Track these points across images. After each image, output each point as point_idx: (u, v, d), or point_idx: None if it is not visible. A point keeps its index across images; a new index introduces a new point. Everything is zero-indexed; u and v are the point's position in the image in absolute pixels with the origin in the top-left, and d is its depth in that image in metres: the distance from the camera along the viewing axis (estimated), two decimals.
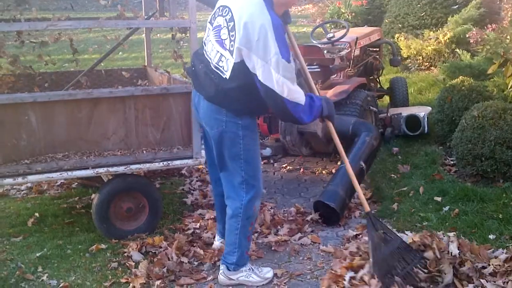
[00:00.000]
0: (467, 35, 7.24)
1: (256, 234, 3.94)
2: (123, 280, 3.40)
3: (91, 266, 3.59)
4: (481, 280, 3.10)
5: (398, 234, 3.44)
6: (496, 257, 3.29)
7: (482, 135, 4.43)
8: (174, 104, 3.83)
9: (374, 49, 6.65)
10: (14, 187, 4.93)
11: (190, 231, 3.97)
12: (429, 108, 6.08)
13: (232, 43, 2.96)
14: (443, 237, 3.48)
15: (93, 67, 4.84)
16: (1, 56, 4.09)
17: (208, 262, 3.59)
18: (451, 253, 3.24)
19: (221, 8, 3.12)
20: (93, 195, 4.11)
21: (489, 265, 3.21)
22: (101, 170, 3.69)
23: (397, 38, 9.01)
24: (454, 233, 3.55)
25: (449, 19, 8.74)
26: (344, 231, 4.02)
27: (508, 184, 4.32)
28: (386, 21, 9.95)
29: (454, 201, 4.16)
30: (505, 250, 3.37)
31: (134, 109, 3.74)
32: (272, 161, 5.56)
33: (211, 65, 3.10)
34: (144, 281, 3.35)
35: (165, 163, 3.85)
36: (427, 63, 8.78)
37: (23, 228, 4.18)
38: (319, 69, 5.39)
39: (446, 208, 4.08)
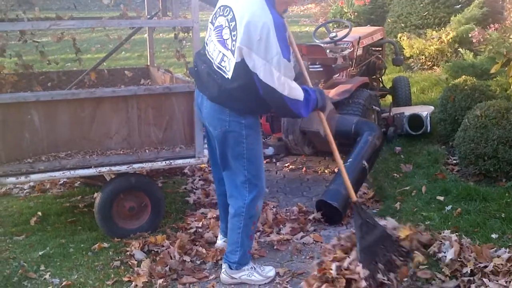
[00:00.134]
0: (469, 35, 7.25)
1: (258, 233, 3.94)
2: (126, 279, 3.41)
3: (93, 264, 3.60)
4: (484, 279, 3.10)
5: (379, 221, 3.49)
6: (498, 257, 3.29)
7: (485, 134, 4.42)
8: (176, 103, 3.84)
9: (377, 49, 6.64)
10: (17, 186, 4.95)
11: (192, 230, 3.97)
12: (432, 108, 6.07)
13: (234, 42, 2.96)
14: (443, 241, 3.50)
15: (96, 67, 4.85)
16: (4, 55, 4.11)
17: (210, 261, 3.60)
18: (449, 258, 3.26)
19: (222, 8, 3.12)
20: (95, 194, 4.11)
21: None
22: (103, 169, 3.70)
23: (400, 38, 9.00)
24: (456, 237, 3.55)
25: (452, 18, 8.72)
26: (346, 230, 4.01)
27: (511, 183, 4.31)
28: (389, 20, 9.94)
29: (457, 201, 4.16)
30: (507, 250, 3.37)
31: (136, 109, 3.74)
32: (274, 160, 5.56)
33: (214, 65, 3.11)
34: (147, 280, 3.36)
35: (167, 162, 3.86)
36: (430, 63, 8.77)
37: (25, 226, 4.18)
38: (321, 69, 5.39)
39: (449, 208, 4.07)
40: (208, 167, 4.96)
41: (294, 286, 3.35)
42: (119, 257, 3.66)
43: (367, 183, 4.71)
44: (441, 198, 4.24)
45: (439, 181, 4.56)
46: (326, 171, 5.20)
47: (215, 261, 3.59)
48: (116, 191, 3.85)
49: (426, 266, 3.28)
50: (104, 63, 5.02)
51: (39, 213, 4.36)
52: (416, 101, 7.00)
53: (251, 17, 2.91)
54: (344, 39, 5.67)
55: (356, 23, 10.45)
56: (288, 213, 4.27)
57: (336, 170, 4.96)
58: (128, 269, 3.53)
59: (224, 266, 3.38)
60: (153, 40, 5.24)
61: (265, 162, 5.05)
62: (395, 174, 4.90)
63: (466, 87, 5.32)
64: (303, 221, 4.12)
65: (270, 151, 5.61)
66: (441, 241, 3.54)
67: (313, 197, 4.62)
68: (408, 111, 5.95)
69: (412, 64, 8.97)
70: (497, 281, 3.08)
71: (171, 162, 3.87)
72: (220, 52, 3.07)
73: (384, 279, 3.10)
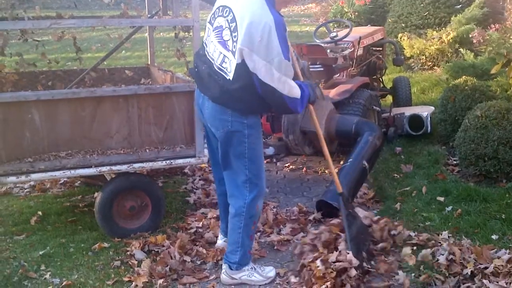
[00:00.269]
0: (470, 35, 7.24)
1: (258, 233, 3.94)
2: (126, 279, 3.41)
3: (93, 264, 3.60)
4: (484, 280, 3.11)
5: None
6: (499, 258, 3.29)
7: (485, 135, 4.42)
8: (177, 103, 3.84)
9: (377, 49, 6.64)
10: (17, 185, 4.94)
11: (192, 230, 3.97)
12: (432, 108, 6.07)
13: (235, 44, 2.96)
14: (442, 242, 3.53)
15: (96, 66, 4.85)
16: (4, 54, 4.11)
17: (210, 261, 3.60)
18: (442, 261, 3.30)
19: (221, 8, 3.12)
20: (96, 194, 4.11)
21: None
22: (104, 168, 3.70)
23: (400, 38, 8.99)
24: (453, 239, 3.57)
25: (452, 18, 8.72)
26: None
27: (511, 184, 4.31)
28: (389, 20, 9.94)
29: (457, 201, 4.16)
30: (508, 251, 3.37)
31: (137, 108, 3.74)
32: (275, 160, 5.56)
33: (214, 66, 3.11)
34: (147, 280, 3.36)
35: (168, 161, 3.86)
36: (430, 63, 8.76)
37: (26, 226, 4.18)
38: (322, 68, 5.39)
39: (449, 208, 4.07)
40: (209, 166, 4.95)
41: None
42: (120, 257, 3.66)
43: (367, 184, 4.71)
44: (442, 198, 4.24)
45: (440, 181, 4.56)
46: (326, 171, 5.20)
47: (215, 261, 3.59)
48: (117, 191, 3.85)
49: (425, 268, 3.30)
50: (105, 62, 5.02)
51: (40, 212, 4.36)
52: (416, 101, 7.00)
53: (252, 18, 2.91)
54: (345, 39, 5.66)
55: (357, 23, 10.45)
56: (289, 214, 4.27)
57: (336, 170, 4.95)
58: (128, 269, 3.52)
59: (224, 266, 3.38)
60: (153, 39, 5.24)
61: (265, 162, 5.05)
62: (396, 175, 4.90)
63: (466, 87, 5.32)
64: (303, 222, 4.12)
65: (270, 151, 5.60)
66: (440, 242, 3.55)
67: (314, 197, 4.62)
68: (408, 111, 5.95)
69: (413, 64, 8.97)
70: (498, 282, 3.08)
71: (171, 162, 3.87)
72: (221, 53, 3.07)
73: (369, 267, 3.26)
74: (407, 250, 3.43)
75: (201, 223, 4.06)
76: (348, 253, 3.22)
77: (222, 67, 3.06)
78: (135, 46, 10.82)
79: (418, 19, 9.32)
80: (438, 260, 3.32)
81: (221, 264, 3.45)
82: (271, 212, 4.20)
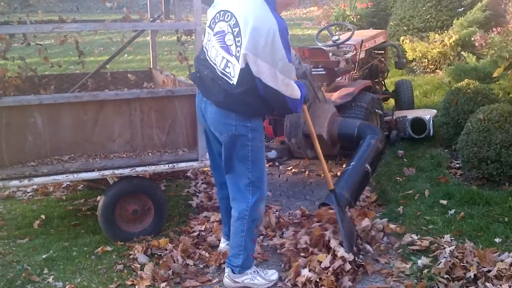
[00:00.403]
0: (472, 38, 7.22)
1: (261, 237, 3.94)
2: (129, 283, 3.41)
3: (96, 268, 3.60)
4: (487, 283, 3.10)
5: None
6: (502, 261, 3.29)
7: (488, 138, 4.42)
8: (179, 106, 3.84)
9: (379, 52, 6.64)
10: (20, 189, 4.95)
11: (195, 234, 3.97)
12: (435, 111, 6.06)
13: (239, 48, 2.97)
14: (445, 246, 3.53)
15: (98, 70, 4.86)
16: (7, 58, 4.11)
17: (213, 264, 3.60)
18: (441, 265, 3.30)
19: (222, 13, 3.12)
20: (98, 197, 4.12)
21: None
22: (106, 172, 3.70)
23: (402, 41, 8.99)
24: (455, 244, 3.57)
25: (454, 21, 8.71)
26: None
27: None
28: (391, 23, 9.94)
29: (460, 205, 4.15)
30: (511, 254, 3.37)
31: (139, 112, 3.75)
32: (277, 164, 5.55)
33: (217, 71, 3.11)
34: (150, 284, 3.36)
35: (170, 165, 3.86)
36: (433, 66, 8.75)
37: (29, 230, 4.19)
38: (324, 72, 5.39)
39: (452, 212, 4.06)
40: (211, 170, 4.95)
41: None
42: (122, 261, 3.66)
43: (370, 187, 4.71)
44: (444, 202, 4.23)
45: (442, 185, 4.55)
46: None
47: (218, 264, 3.59)
48: (119, 195, 3.85)
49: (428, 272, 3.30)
50: (107, 66, 5.03)
51: (42, 216, 4.37)
52: (418, 104, 6.99)
53: (255, 23, 2.91)
54: (347, 42, 5.67)
55: (359, 26, 10.46)
56: (291, 217, 4.26)
57: (338, 173, 4.95)
58: (131, 273, 3.53)
59: (227, 270, 3.37)
60: (155, 43, 5.24)
61: (268, 165, 5.05)
62: (398, 178, 4.90)
63: (469, 90, 5.31)
64: (306, 225, 4.11)
65: (273, 154, 5.59)
66: (443, 245, 3.55)
67: (316, 201, 4.61)
68: (410, 114, 5.95)
69: (415, 67, 8.96)
70: (501, 285, 3.09)
71: (174, 165, 3.88)
72: (224, 58, 3.07)
73: (360, 261, 3.39)
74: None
75: (203, 226, 4.06)
76: (339, 251, 3.37)
77: (226, 71, 3.06)
78: (137, 49, 10.82)
79: (420, 22, 9.32)
80: (440, 263, 3.32)
81: (224, 268, 3.44)
82: (274, 216, 4.19)
